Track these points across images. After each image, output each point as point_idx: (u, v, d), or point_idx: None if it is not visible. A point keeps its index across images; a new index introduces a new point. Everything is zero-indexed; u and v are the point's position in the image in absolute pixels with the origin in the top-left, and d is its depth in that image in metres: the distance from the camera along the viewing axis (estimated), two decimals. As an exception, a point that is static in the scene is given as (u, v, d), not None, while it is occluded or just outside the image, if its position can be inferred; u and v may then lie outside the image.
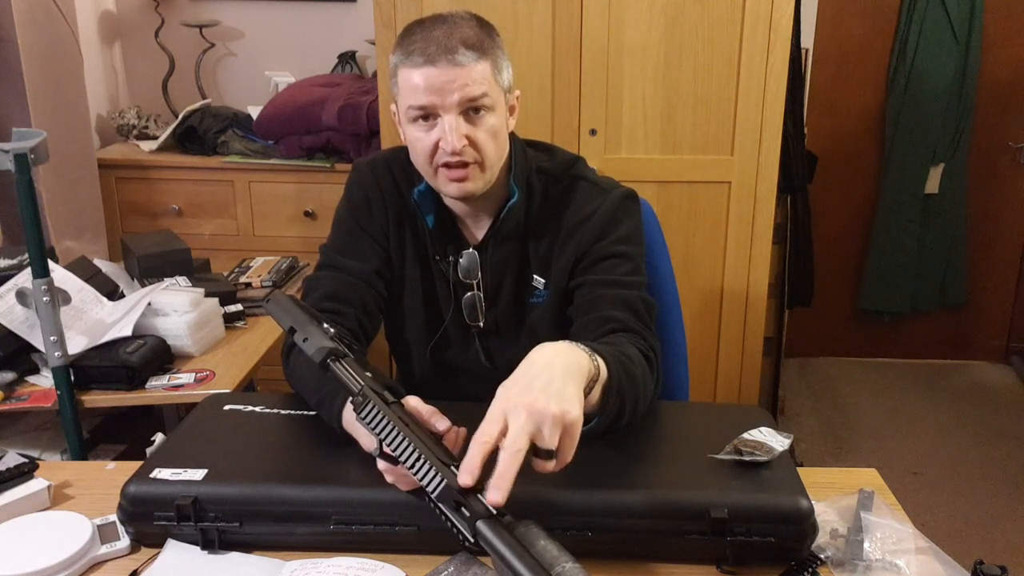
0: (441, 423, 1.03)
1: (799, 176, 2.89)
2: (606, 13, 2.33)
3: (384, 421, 1.00)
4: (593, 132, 2.42)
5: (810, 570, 1.07)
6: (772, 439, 1.17)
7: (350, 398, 1.06)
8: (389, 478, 1.07)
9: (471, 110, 1.29)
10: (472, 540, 0.91)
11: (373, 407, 1.02)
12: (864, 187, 3.67)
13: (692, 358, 1.78)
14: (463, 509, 0.92)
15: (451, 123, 1.28)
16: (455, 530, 0.93)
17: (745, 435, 1.18)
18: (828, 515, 1.15)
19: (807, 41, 3.22)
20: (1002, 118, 3.54)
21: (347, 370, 1.07)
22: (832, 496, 1.20)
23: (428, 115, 1.29)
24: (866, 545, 1.09)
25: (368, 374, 1.06)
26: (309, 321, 1.13)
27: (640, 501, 1.07)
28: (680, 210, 2.45)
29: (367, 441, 1.10)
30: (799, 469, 1.15)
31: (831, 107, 3.56)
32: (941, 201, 3.61)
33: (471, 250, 1.43)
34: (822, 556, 1.09)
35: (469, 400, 1.33)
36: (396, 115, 1.37)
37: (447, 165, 1.31)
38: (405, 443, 0.98)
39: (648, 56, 2.36)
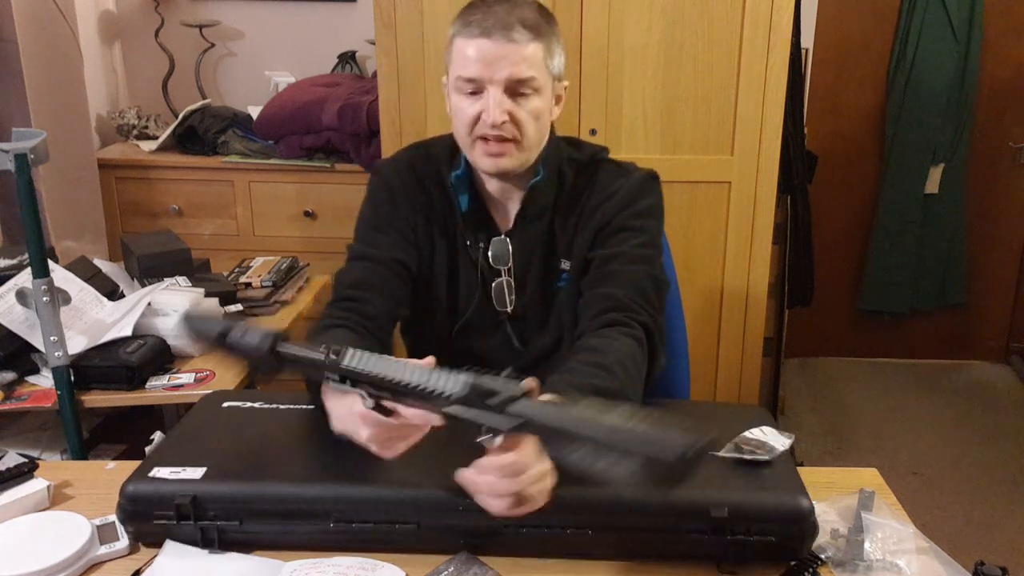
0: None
1: (799, 176, 2.89)
2: (606, 13, 2.33)
3: (368, 360, 0.97)
4: (593, 132, 2.41)
5: (810, 570, 1.07)
6: (773, 438, 1.17)
7: (325, 377, 1.02)
8: (380, 446, 1.04)
9: (517, 88, 1.31)
10: (506, 429, 0.90)
11: (352, 354, 0.99)
12: (864, 187, 3.67)
13: (692, 358, 1.78)
14: (490, 402, 0.89)
15: (495, 97, 1.30)
16: (484, 429, 0.91)
17: (746, 434, 1.18)
18: (828, 515, 1.15)
19: (807, 41, 3.21)
20: (1002, 118, 3.54)
21: (300, 345, 1.05)
22: (832, 496, 1.20)
23: (475, 89, 1.32)
24: (866, 545, 1.09)
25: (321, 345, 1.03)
26: (236, 320, 1.13)
27: (640, 500, 1.07)
28: (680, 210, 2.45)
29: (360, 407, 1.02)
30: (799, 469, 1.15)
31: (831, 107, 3.55)
32: (941, 201, 3.61)
33: (502, 237, 1.45)
34: (822, 556, 1.09)
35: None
36: (446, 87, 1.39)
37: (485, 138, 1.33)
38: (400, 368, 0.95)
39: (648, 56, 2.36)
